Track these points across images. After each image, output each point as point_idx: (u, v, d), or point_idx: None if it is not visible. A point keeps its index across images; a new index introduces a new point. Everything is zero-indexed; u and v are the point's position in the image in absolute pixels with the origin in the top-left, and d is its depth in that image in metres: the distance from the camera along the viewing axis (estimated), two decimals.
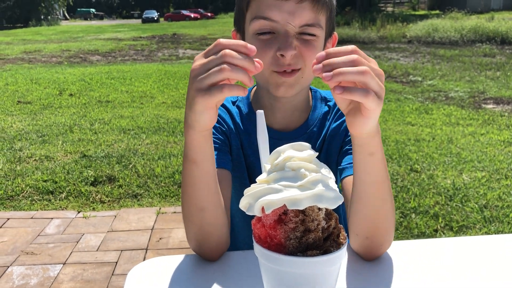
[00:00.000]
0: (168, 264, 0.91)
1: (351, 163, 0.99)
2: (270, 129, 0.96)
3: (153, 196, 3.55)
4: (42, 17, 44.11)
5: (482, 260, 0.92)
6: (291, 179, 0.57)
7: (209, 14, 54.88)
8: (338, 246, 0.60)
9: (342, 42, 13.86)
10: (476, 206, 3.21)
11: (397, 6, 49.47)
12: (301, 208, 0.56)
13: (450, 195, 3.41)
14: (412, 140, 4.86)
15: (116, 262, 2.62)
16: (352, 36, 17.23)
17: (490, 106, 6.89)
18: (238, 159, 1.15)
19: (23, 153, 4.50)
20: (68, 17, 64.42)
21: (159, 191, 3.62)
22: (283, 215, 0.57)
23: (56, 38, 21.61)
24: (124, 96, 7.51)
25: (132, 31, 26.36)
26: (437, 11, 34.00)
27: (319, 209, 0.58)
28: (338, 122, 1.12)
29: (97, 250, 2.76)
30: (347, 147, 1.07)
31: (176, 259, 0.93)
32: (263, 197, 0.57)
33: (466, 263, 0.90)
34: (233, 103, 1.18)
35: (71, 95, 7.63)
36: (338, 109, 1.14)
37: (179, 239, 2.87)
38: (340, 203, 0.58)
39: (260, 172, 0.65)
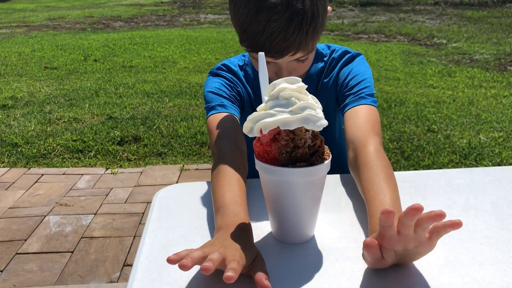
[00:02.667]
0: (192, 189, 1.06)
1: (349, 101, 1.11)
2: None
3: (177, 154, 3.73)
4: None
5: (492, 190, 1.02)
6: (284, 105, 0.70)
7: None
8: (322, 160, 0.73)
9: (366, 4, 13.38)
10: (490, 164, 3.27)
11: None
12: (291, 128, 0.69)
13: (465, 153, 3.47)
14: (432, 102, 4.87)
15: (143, 213, 2.81)
16: None
17: None
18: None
19: (53, 116, 4.72)
20: None
21: (182, 150, 3.79)
22: (277, 134, 0.71)
23: (79, 4, 21.74)
24: (147, 61, 7.65)
25: None
26: None
27: (306, 130, 0.72)
28: (328, 78, 1.23)
29: (125, 202, 2.96)
30: (343, 92, 1.18)
31: (200, 185, 1.07)
32: (260, 120, 0.70)
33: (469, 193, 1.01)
34: (240, 67, 1.28)
35: (95, 60, 7.81)
36: (331, 65, 1.24)
37: None
38: (324, 126, 0.70)
39: None
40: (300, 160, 0.71)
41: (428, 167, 3.26)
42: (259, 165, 0.74)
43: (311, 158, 0.72)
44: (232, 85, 1.24)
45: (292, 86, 0.71)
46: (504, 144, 3.62)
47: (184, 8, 18.25)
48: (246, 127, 0.73)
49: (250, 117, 0.73)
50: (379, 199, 0.83)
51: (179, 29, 11.88)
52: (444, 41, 9.13)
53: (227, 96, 1.20)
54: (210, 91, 1.21)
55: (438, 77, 6.27)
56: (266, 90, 0.75)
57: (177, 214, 0.96)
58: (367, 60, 1.36)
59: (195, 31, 11.24)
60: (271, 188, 0.75)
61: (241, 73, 1.27)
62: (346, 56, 1.23)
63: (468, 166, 3.25)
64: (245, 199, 0.89)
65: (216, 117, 1.13)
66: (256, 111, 1.28)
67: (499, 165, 3.25)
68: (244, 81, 1.26)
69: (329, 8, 1.11)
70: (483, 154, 3.44)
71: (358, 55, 1.24)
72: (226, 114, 1.14)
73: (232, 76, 1.26)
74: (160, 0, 22.87)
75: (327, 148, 0.76)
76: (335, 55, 1.25)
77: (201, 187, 1.08)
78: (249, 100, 1.27)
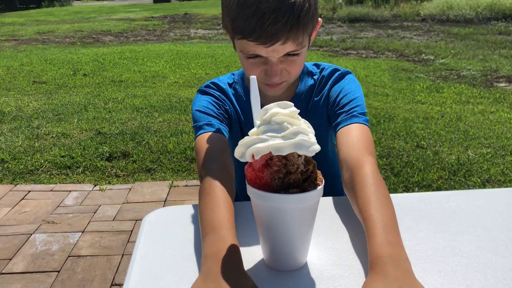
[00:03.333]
0: (181, 212, 1.04)
1: (341, 120, 1.11)
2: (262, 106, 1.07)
3: (166, 170, 3.70)
4: None
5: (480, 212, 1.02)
6: (276, 130, 0.69)
7: None
8: (315, 186, 0.72)
9: (355, 20, 13.56)
10: (479, 180, 3.29)
11: None
12: (284, 154, 0.68)
13: (454, 170, 3.49)
14: (421, 118, 4.91)
15: (131, 231, 2.77)
16: (365, 15, 17.04)
17: (502, 84, 6.86)
18: (237, 135, 1.26)
19: (41, 131, 4.67)
20: None
21: (171, 166, 3.76)
22: (269, 160, 0.69)
23: (68, 18, 21.74)
24: (137, 76, 7.63)
25: (144, 11, 26.35)
26: None
27: (299, 155, 0.71)
28: (319, 97, 1.23)
29: (113, 220, 2.91)
30: (335, 111, 1.17)
31: (188, 208, 1.05)
32: (252, 145, 0.69)
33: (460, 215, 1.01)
34: (230, 85, 1.28)
35: (85, 75, 7.77)
36: (321, 83, 1.24)
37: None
38: (317, 151, 0.69)
39: None
40: (292, 186, 0.70)
41: (417, 183, 3.27)
42: (251, 191, 0.73)
43: (304, 184, 0.71)
44: (221, 103, 1.23)
45: (285, 111, 0.70)
46: (492, 160, 3.65)
47: (174, 23, 18.32)
48: (238, 152, 0.72)
49: (241, 142, 0.71)
50: (377, 218, 0.82)
51: (169, 44, 11.91)
52: (432, 57, 9.26)
53: (215, 115, 1.19)
54: (198, 110, 1.20)
55: (426, 92, 6.34)
56: (258, 114, 0.74)
57: (166, 239, 0.94)
58: (356, 76, 1.36)
59: (185, 46, 11.27)
60: (263, 215, 0.74)
61: (230, 91, 1.26)
62: (336, 74, 1.23)
63: (457, 183, 3.26)
64: (234, 223, 0.88)
65: (204, 137, 1.12)
66: (243, 130, 1.29)
67: (487, 181, 3.27)
68: (233, 99, 1.25)
69: (319, 19, 1.12)
70: (472, 170, 3.46)
71: (348, 73, 1.24)
72: (214, 134, 1.12)
73: (221, 94, 1.25)
74: (151, 15, 22.96)
75: (319, 173, 0.75)
76: (324, 73, 1.25)
77: (190, 210, 1.06)
78: (237, 119, 1.26)
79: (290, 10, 0.97)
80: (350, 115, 1.12)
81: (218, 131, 1.14)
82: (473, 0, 17.58)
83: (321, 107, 1.23)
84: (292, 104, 0.72)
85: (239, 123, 1.26)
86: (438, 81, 7.11)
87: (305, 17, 0.99)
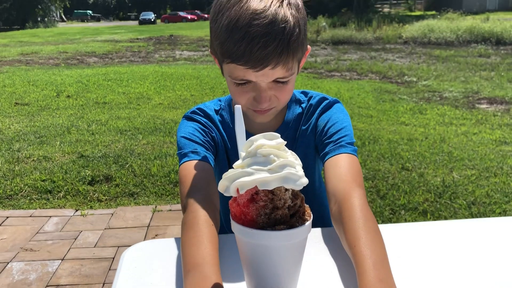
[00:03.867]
0: (162, 246, 0.99)
1: (329, 150, 1.08)
2: (248, 134, 1.04)
3: (149, 194, 3.63)
4: (39, 19, 44.11)
5: (468, 243, 0.99)
6: (262, 163, 0.65)
7: (206, 15, 54.94)
8: (303, 222, 0.68)
9: (338, 43, 13.76)
10: (464, 202, 3.29)
11: (393, 7, 49.65)
12: (270, 188, 0.64)
13: (439, 192, 3.49)
14: (405, 140, 4.94)
15: (113, 258, 2.69)
16: (348, 37, 17.34)
17: (484, 106, 6.98)
18: (224, 162, 1.23)
19: (21, 154, 4.57)
20: (65, 19, 64.42)
21: (155, 189, 3.70)
22: (255, 194, 0.66)
23: (53, 40, 21.67)
24: (121, 98, 7.58)
25: (129, 33, 26.44)
26: (433, 12, 34.15)
27: (286, 189, 0.67)
28: (306, 125, 1.20)
29: (94, 247, 2.83)
30: (323, 140, 1.14)
31: (169, 242, 1.00)
32: (237, 179, 0.65)
33: (454, 246, 0.98)
34: (216, 111, 1.24)
35: (68, 96, 7.69)
36: (309, 111, 1.21)
37: (174, 235, 2.94)
38: (305, 184, 0.66)
39: None
40: (279, 222, 0.66)
41: (403, 206, 3.26)
42: (235, 227, 0.68)
43: (291, 220, 0.67)
44: (207, 130, 1.19)
45: (271, 143, 0.67)
46: (477, 182, 3.67)
47: (159, 45, 18.38)
48: (222, 186, 0.68)
49: (226, 175, 0.68)
50: (366, 254, 0.79)
51: (154, 65, 11.91)
52: (415, 79, 9.41)
53: (201, 142, 1.15)
54: (183, 136, 1.16)
55: (410, 114, 6.40)
56: (243, 145, 0.71)
57: (146, 276, 0.89)
58: (340, 98, 1.33)
59: (170, 68, 11.27)
60: (248, 252, 0.69)
61: (217, 118, 1.23)
62: (324, 103, 1.21)
63: (443, 205, 3.26)
64: (218, 258, 0.83)
65: (189, 165, 1.08)
66: (230, 158, 1.26)
67: (473, 204, 3.27)
68: (220, 126, 1.22)
69: (308, 47, 1.10)
70: (457, 192, 3.47)
71: (336, 102, 1.22)
72: (200, 162, 1.08)
73: (207, 121, 1.21)
74: (136, 36, 23.01)
75: (308, 208, 0.71)
76: (312, 101, 1.22)
77: (172, 244, 1.01)
78: (224, 146, 1.22)
79: (280, 35, 0.95)
80: (338, 145, 1.10)
81: (204, 159, 1.10)
82: (453, 23, 18.04)
83: (308, 136, 1.20)
84: (279, 135, 0.69)
85: (226, 150, 1.22)
86: (421, 102, 7.20)
87: (295, 42, 0.97)
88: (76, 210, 3.38)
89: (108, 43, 19.17)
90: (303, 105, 1.23)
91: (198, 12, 58.68)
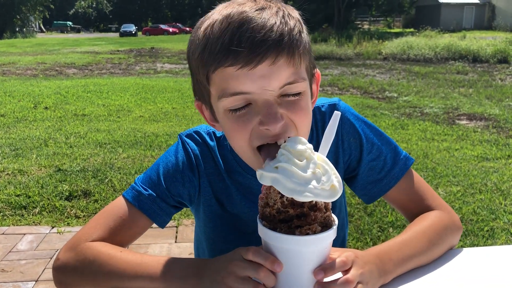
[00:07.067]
0: None
1: (384, 186, 1.09)
2: (247, 168, 0.98)
3: None
4: (17, 29, 43.42)
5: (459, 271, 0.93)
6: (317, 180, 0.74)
7: (187, 28, 55.02)
8: (302, 233, 0.73)
9: (319, 58, 13.86)
10: None
11: (373, 24, 50.64)
12: (267, 184, 0.75)
13: None
14: None
15: None
16: (329, 53, 17.50)
17: (464, 122, 7.06)
18: (214, 206, 1.08)
19: None
20: (44, 29, 63.62)
21: None
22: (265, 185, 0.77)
23: (31, 50, 21.29)
24: (101, 110, 7.42)
25: (110, 45, 26.20)
26: (412, 29, 34.90)
27: (281, 195, 0.73)
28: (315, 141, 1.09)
29: None
30: (369, 180, 1.11)
31: None
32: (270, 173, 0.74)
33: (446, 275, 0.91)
34: (211, 136, 1.08)
35: (46, 108, 7.50)
36: (317, 126, 1.07)
37: (155, 254, 2.83)
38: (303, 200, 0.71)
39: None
40: (268, 220, 0.75)
41: (391, 223, 3.21)
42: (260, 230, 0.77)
43: (280, 224, 0.74)
44: (191, 174, 1.02)
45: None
46: (462, 199, 3.65)
47: (140, 57, 18.23)
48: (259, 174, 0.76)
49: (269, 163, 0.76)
50: (396, 238, 0.95)
51: (135, 78, 11.76)
52: (395, 95, 9.49)
53: (167, 193, 1.01)
54: (162, 168, 1.03)
55: (392, 129, 6.42)
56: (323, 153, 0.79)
57: None
58: None
59: (151, 80, 11.15)
60: (275, 255, 0.76)
61: (212, 144, 1.05)
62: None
63: None
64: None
65: (128, 206, 1.00)
66: (219, 199, 1.12)
67: (461, 221, 3.24)
68: (216, 151, 1.05)
69: (318, 71, 0.94)
70: None
71: (341, 111, 1.02)
72: (140, 213, 0.99)
73: (198, 155, 1.04)
74: (116, 48, 22.80)
75: (314, 226, 0.73)
76: (318, 116, 1.07)
77: None
78: (209, 186, 1.05)
79: (274, 19, 0.79)
80: (390, 177, 1.07)
81: (149, 214, 0.99)
82: (432, 41, 18.42)
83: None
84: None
85: (211, 189, 1.06)
86: (403, 118, 7.24)
87: (293, 30, 0.80)
88: (52, 227, 3.22)
89: (88, 54, 18.93)
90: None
91: (180, 25, 58.71)
